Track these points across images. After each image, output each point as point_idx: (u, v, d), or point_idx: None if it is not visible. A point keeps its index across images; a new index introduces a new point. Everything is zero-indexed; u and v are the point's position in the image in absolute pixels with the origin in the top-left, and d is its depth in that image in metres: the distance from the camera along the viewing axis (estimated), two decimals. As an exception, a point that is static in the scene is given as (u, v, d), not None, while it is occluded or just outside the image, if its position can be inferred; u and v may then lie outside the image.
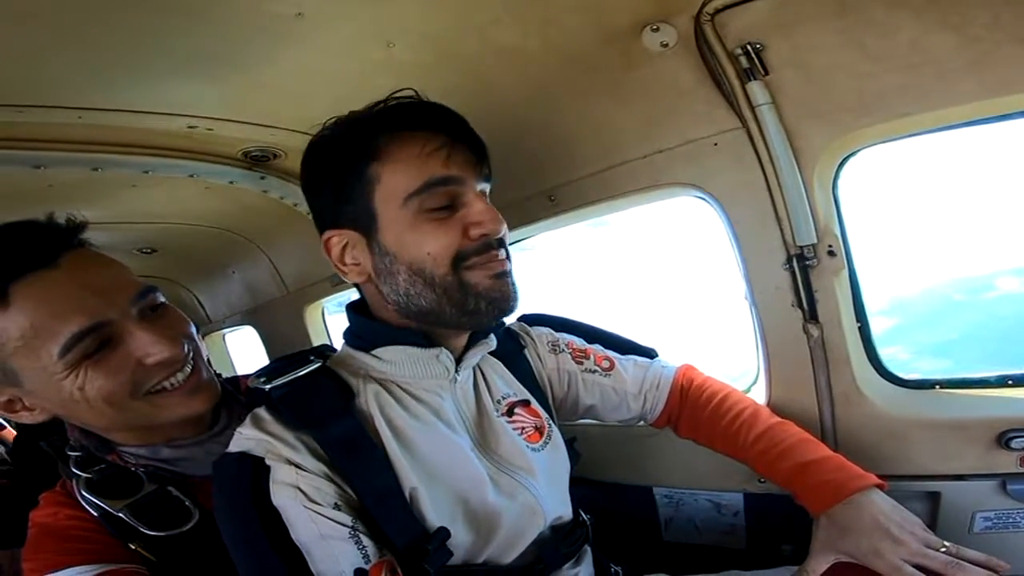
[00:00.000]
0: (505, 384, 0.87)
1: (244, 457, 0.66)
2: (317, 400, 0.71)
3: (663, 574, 0.98)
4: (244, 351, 2.89)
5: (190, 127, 1.05)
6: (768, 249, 0.98)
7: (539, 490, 0.80)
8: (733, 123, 0.94)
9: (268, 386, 0.72)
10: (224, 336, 2.89)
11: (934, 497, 0.96)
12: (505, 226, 0.73)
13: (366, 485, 0.67)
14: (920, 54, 0.79)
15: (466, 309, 0.71)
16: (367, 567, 0.63)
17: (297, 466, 0.65)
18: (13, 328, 0.67)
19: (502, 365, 0.89)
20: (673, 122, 0.99)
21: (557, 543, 0.83)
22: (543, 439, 0.85)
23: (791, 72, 0.87)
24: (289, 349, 0.82)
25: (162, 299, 0.80)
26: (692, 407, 0.98)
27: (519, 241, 1.34)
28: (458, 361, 0.79)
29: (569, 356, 0.97)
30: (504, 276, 0.73)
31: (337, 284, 1.79)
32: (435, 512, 0.70)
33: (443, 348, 0.76)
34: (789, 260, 0.96)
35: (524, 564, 0.78)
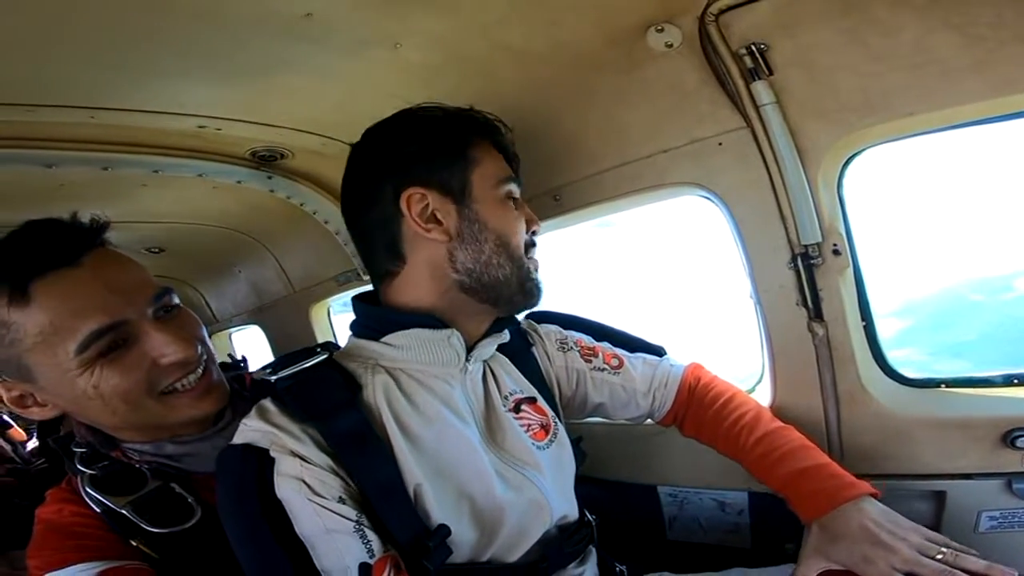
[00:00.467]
0: (513, 381, 0.88)
1: (248, 449, 0.66)
2: (323, 392, 0.71)
3: (667, 572, 0.98)
4: (249, 350, 2.90)
5: (199, 127, 1.06)
6: (772, 248, 0.98)
7: (546, 486, 0.80)
8: (737, 123, 0.94)
9: (274, 377, 0.72)
10: (231, 335, 2.90)
11: (939, 496, 0.96)
12: None
13: (369, 479, 0.67)
14: (924, 53, 0.79)
15: (525, 288, 0.80)
16: (371, 562, 0.63)
17: (302, 458, 0.65)
18: (31, 325, 0.68)
19: (510, 363, 0.90)
20: (678, 122, 1.00)
21: (562, 542, 0.83)
22: (549, 437, 0.85)
23: (795, 72, 0.87)
24: (295, 348, 0.82)
25: (177, 300, 0.81)
26: (697, 406, 0.98)
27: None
28: (470, 350, 0.80)
29: (578, 354, 0.98)
30: (538, 270, 0.84)
31: (343, 284, 1.80)
32: (440, 508, 0.70)
33: (455, 330, 0.77)
34: (794, 259, 0.96)
35: (528, 562, 0.78)
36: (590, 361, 0.98)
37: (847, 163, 0.93)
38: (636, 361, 1.01)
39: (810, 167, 0.91)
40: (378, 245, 0.79)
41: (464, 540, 0.72)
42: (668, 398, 0.99)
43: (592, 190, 1.14)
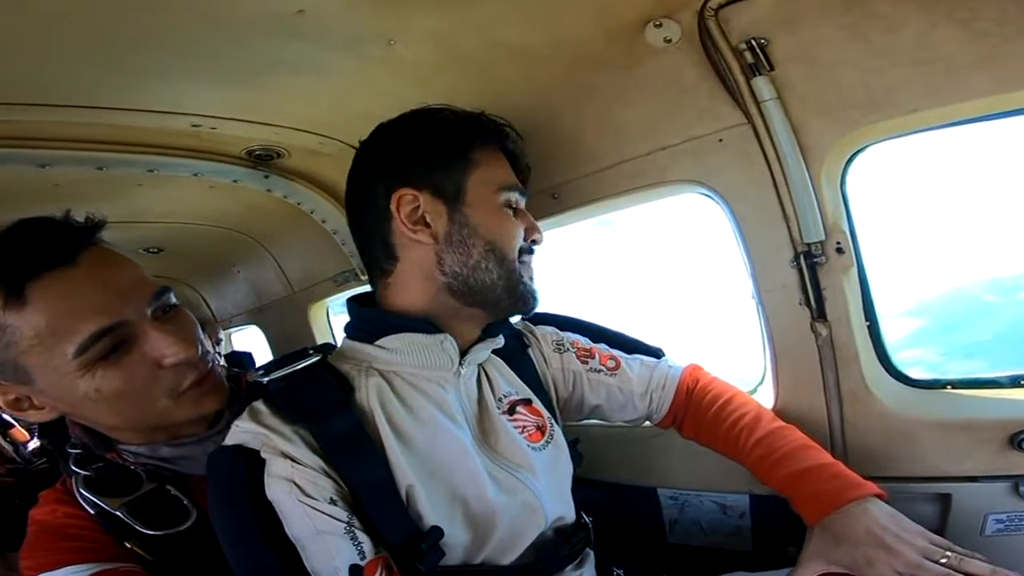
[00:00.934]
0: (507, 383, 0.87)
1: (239, 450, 0.66)
2: (315, 394, 0.71)
3: (667, 576, 0.97)
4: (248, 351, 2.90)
5: (194, 126, 1.05)
6: (775, 246, 0.97)
7: (539, 489, 0.79)
8: (738, 119, 0.93)
9: (266, 379, 0.72)
10: (230, 336, 2.90)
11: (944, 499, 0.95)
12: None
13: (361, 481, 0.67)
14: (927, 49, 0.77)
15: (515, 293, 0.79)
16: (362, 563, 0.62)
17: (293, 460, 0.64)
18: (27, 327, 0.66)
19: (505, 364, 0.89)
20: (677, 118, 0.98)
21: (557, 545, 0.82)
22: (544, 438, 0.84)
23: (797, 67, 0.86)
24: (294, 348, 0.82)
25: (175, 300, 0.80)
26: (696, 408, 0.97)
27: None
28: (464, 354, 0.79)
29: (574, 355, 0.97)
30: (534, 279, 0.83)
31: (340, 284, 1.79)
32: (432, 511, 0.69)
33: (448, 335, 0.77)
34: (796, 258, 0.95)
35: (523, 565, 0.77)
36: (587, 362, 0.97)
37: (850, 160, 0.92)
38: (633, 363, 1.00)
39: (813, 164, 0.90)
40: (374, 243, 0.79)
41: (457, 542, 0.71)
42: (666, 400, 0.98)
43: (591, 188, 1.13)
